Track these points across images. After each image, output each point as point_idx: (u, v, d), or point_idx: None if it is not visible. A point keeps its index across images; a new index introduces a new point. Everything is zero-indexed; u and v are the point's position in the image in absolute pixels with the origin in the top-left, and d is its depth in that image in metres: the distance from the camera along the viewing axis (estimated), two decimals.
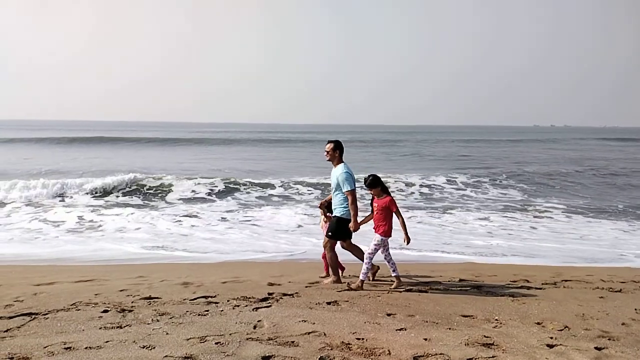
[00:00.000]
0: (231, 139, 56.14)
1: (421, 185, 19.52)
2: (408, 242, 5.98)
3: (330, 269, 6.41)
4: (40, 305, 5.08)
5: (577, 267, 8.20)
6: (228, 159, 31.88)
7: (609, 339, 4.32)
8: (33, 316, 4.66)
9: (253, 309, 4.97)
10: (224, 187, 17.74)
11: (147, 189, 17.04)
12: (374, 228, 6.12)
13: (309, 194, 17.48)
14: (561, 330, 4.56)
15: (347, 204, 6.13)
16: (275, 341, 4.01)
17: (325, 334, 4.21)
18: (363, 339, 4.12)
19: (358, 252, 6.40)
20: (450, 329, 4.48)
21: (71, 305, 5.07)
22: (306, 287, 6.13)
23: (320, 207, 6.83)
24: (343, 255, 6.52)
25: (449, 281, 6.65)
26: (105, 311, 4.83)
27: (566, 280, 6.81)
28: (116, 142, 47.12)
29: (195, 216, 13.22)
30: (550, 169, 26.49)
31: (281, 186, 18.39)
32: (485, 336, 4.26)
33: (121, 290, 5.80)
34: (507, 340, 4.19)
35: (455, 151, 43.69)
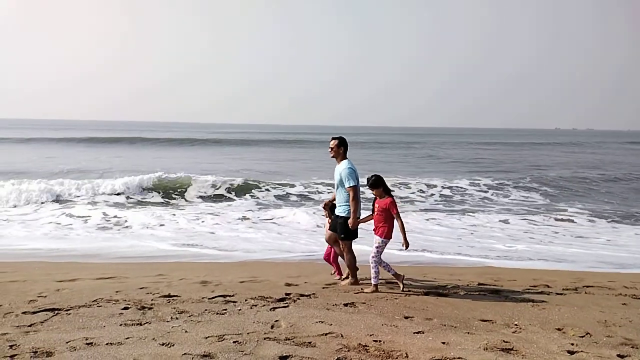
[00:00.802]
0: (248, 140, 56.21)
1: (443, 187, 19.27)
2: (406, 247, 5.92)
3: (349, 270, 6.39)
4: (63, 301, 5.19)
5: (599, 273, 8.04)
6: (246, 160, 32.03)
7: (632, 347, 4.23)
8: (56, 312, 4.76)
9: (270, 309, 5.00)
10: (242, 185, 17.85)
11: (169, 188, 17.21)
12: (373, 229, 6.07)
13: (329, 193, 17.50)
14: (582, 336, 4.48)
15: None
16: (293, 341, 4.03)
17: (342, 336, 4.21)
18: (380, 341, 4.11)
19: (353, 263, 6.32)
20: (468, 333, 4.44)
21: (92, 301, 5.16)
22: (323, 288, 6.13)
23: (324, 208, 6.80)
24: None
25: (467, 285, 6.58)
26: (126, 308, 4.91)
27: (588, 286, 6.68)
28: (133, 142, 47.61)
29: (217, 215, 13.36)
30: (573, 173, 25.97)
31: (301, 186, 18.43)
32: (504, 341, 4.21)
33: (141, 288, 5.88)
34: (526, 345, 4.14)
35: (473, 154, 43.19)
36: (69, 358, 3.58)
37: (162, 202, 15.77)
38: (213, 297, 5.45)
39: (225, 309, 4.96)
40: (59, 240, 10.03)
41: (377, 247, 5.98)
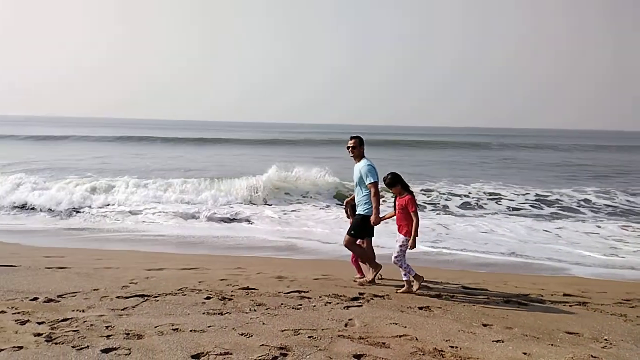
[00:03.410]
0: (315, 140, 54.84)
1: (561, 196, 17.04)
2: (412, 247, 5.68)
3: (368, 264, 6.32)
4: (152, 288, 5.56)
5: None
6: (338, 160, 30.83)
7: None
8: (145, 298, 5.12)
9: (344, 307, 5.04)
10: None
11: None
12: (398, 229, 5.90)
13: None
14: None
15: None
16: (367, 341, 4.04)
17: (417, 339, 4.15)
18: (457, 347, 4.00)
19: (367, 256, 6.29)
20: (552, 345, 4.21)
21: (178, 290, 5.49)
22: (397, 290, 6.08)
23: (345, 206, 6.72)
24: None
25: (551, 295, 6.23)
26: (208, 298, 5.17)
27: None
28: (206, 142, 48.10)
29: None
30: None
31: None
32: (592, 356, 3.94)
33: (222, 280, 6.17)
34: None
35: (562, 156, 40.55)
36: (157, 342, 3.83)
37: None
38: (289, 292, 5.59)
39: (301, 304, 5.07)
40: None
41: (400, 246, 5.81)
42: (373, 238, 6.43)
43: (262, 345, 3.82)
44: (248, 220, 12.59)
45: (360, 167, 6.16)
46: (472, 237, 10.87)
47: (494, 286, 6.53)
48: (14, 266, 6.48)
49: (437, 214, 14.32)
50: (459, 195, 16.66)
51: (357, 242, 6.39)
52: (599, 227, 12.52)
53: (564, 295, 6.26)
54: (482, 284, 6.62)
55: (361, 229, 6.18)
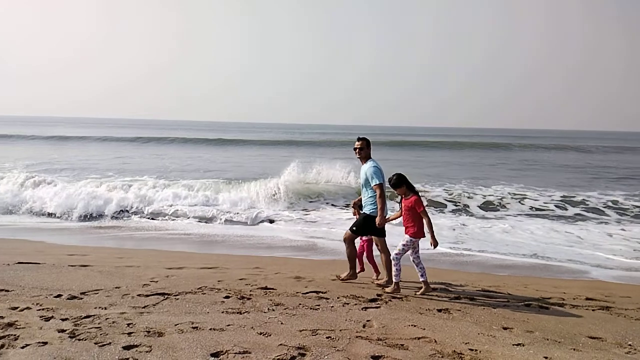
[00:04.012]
0: (334, 141, 53.40)
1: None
2: (435, 246, 5.62)
3: (349, 264, 6.43)
4: (172, 286, 5.64)
5: None
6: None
7: None
8: (166, 296, 5.19)
9: (362, 308, 5.04)
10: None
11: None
12: (404, 230, 5.87)
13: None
14: None
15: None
16: (385, 342, 4.03)
17: (435, 341, 4.13)
18: (476, 350, 3.97)
19: (352, 257, 6.40)
20: (574, 349, 4.14)
21: (197, 289, 5.55)
22: (415, 292, 6.04)
23: (353, 207, 6.80)
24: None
25: (573, 299, 6.12)
26: (227, 297, 5.22)
27: None
28: (223, 143, 48.42)
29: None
30: None
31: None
32: None
33: (240, 279, 6.22)
34: None
35: (584, 158, 39.81)
36: (177, 339, 3.88)
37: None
38: (307, 292, 5.61)
39: (319, 305, 5.08)
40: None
41: (403, 244, 5.80)
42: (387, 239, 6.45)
43: (281, 344, 3.84)
44: (271, 221, 12.66)
45: (366, 168, 6.22)
46: (493, 239, 10.75)
47: (515, 289, 6.44)
48: (39, 264, 6.63)
49: (458, 214, 14.19)
50: (480, 196, 16.48)
51: (363, 242, 6.56)
52: (623, 230, 12.25)
53: (587, 299, 6.15)
54: (503, 287, 6.54)
55: (363, 228, 6.29)
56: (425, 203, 6.45)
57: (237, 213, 13.06)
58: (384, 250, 6.24)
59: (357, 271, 6.54)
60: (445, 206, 15.18)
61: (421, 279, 5.86)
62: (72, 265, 6.66)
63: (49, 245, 9.02)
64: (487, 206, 15.31)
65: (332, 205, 15.13)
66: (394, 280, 5.89)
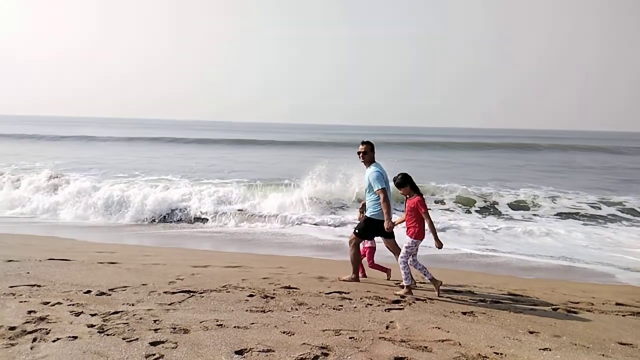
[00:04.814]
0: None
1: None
2: (440, 247, 5.56)
3: (352, 266, 6.45)
4: (197, 284, 5.72)
5: None
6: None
7: None
8: (191, 294, 5.27)
9: (385, 310, 5.02)
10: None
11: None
12: (406, 231, 5.83)
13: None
14: None
15: (379, 204, 6.04)
16: (408, 344, 4.00)
17: (460, 344, 4.08)
18: (502, 354, 3.91)
19: (355, 261, 6.44)
20: (603, 355, 4.04)
21: (222, 287, 5.62)
22: (439, 295, 5.99)
23: (361, 208, 6.81)
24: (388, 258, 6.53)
25: (603, 304, 5.97)
26: (251, 295, 5.27)
27: None
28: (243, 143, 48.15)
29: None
30: None
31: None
32: None
33: (264, 278, 6.27)
34: None
35: (614, 159, 38.68)
36: (202, 337, 3.94)
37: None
38: (330, 293, 5.62)
39: (342, 305, 5.08)
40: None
41: (406, 248, 5.76)
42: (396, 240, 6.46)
43: (304, 344, 3.86)
44: (299, 223, 12.72)
45: (369, 173, 6.24)
46: (520, 240, 10.59)
47: (542, 293, 6.33)
48: (69, 260, 6.81)
49: (484, 215, 14.01)
50: (508, 197, 16.22)
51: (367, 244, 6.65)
52: None
53: (617, 304, 6.00)
54: (529, 291, 6.43)
55: (364, 231, 6.33)
56: (429, 205, 6.39)
57: (266, 213, 13.15)
58: (395, 250, 6.27)
59: (359, 275, 6.57)
60: (475, 200, 14.99)
61: (427, 278, 5.85)
62: (100, 263, 6.82)
63: (79, 242, 9.26)
64: (515, 206, 15.06)
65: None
66: (404, 283, 5.86)
